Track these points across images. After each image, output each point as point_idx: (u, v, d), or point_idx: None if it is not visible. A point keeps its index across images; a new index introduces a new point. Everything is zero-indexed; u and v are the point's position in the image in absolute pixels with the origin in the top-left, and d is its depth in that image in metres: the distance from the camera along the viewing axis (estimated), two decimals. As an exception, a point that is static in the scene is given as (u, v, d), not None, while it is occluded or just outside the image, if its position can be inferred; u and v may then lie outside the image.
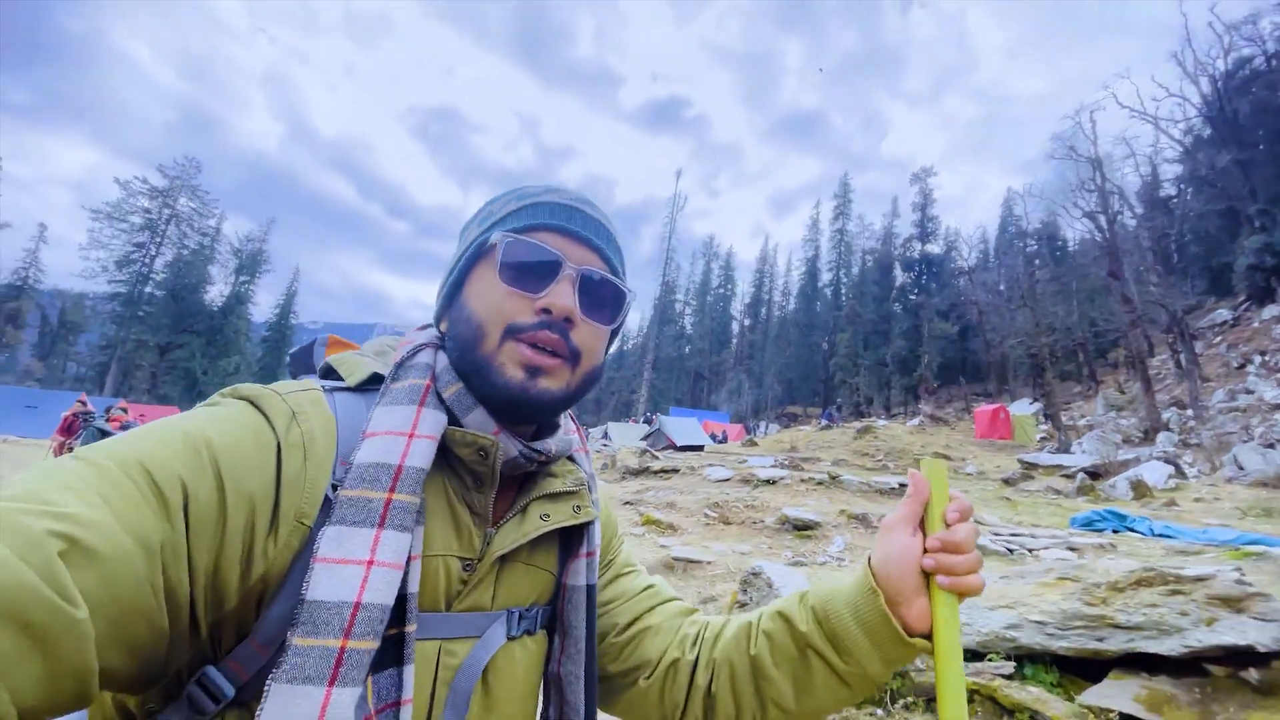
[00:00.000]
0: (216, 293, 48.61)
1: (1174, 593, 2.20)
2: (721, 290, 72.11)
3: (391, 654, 0.52)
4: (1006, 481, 14.43)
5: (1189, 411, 21.69)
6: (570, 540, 0.70)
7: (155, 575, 0.42)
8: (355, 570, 0.49)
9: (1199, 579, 2.19)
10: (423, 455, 0.56)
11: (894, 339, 44.62)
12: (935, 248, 49.71)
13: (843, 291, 58.18)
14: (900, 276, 50.78)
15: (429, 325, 0.72)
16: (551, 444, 0.67)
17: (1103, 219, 22.75)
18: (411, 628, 0.53)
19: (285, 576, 0.50)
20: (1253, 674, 2.07)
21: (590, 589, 0.68)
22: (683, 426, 23.35)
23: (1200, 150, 31.63)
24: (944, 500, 0.62)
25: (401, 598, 0.52)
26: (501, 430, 0.62)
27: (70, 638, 0.36)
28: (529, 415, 0.64)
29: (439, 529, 0.59)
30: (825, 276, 62.92)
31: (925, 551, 0.61)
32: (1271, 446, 17.54)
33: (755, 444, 23.74)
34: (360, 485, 0.53)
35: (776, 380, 58.73)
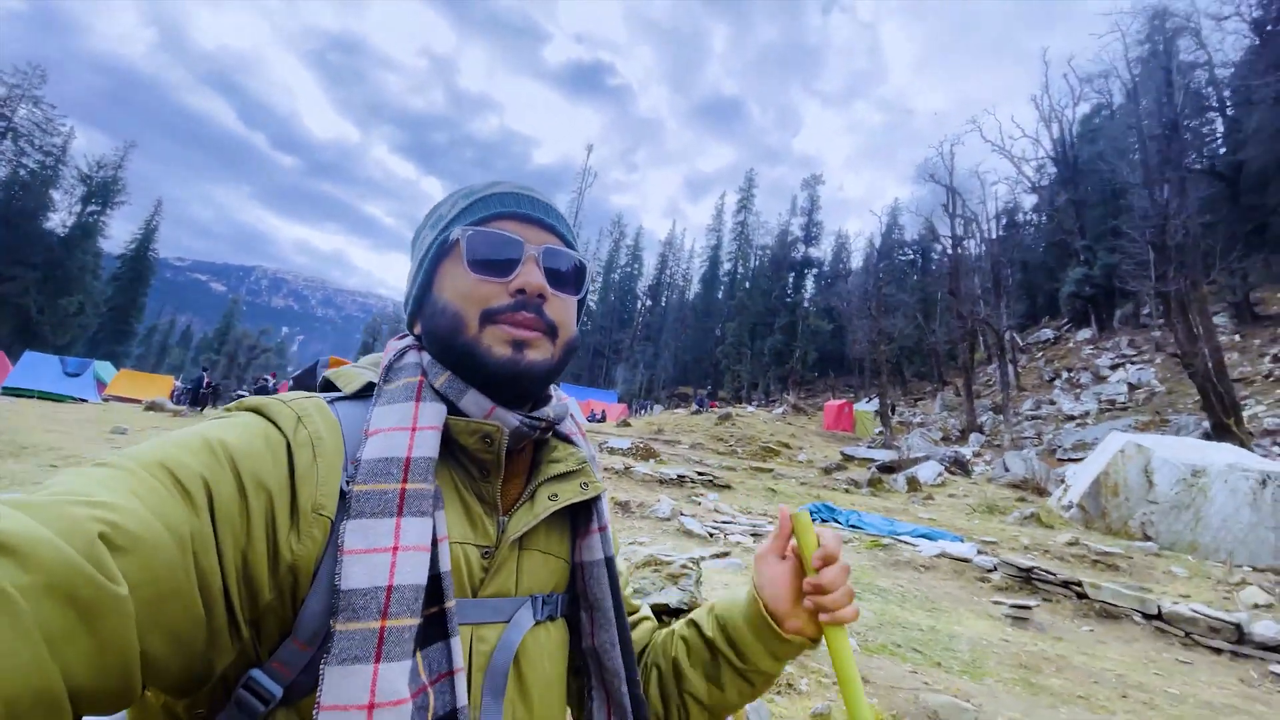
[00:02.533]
0: (58, 221, 42.94)
1: (655, 570, 2.88)
2: (628, 269, 72.84)
3: (437, 630, 0.55)
4: (825, 470, 16.02)
5: (1001, 416, 24.82)
6: (578, 521, 0.74)
7: (188, 562, 0.44)
8: (383, 557, 0.52)
9: (668, 562, 2.87)
10: (428, 445, 0.59)
11: (774, 332, 47.35)
12: (818, 250, 53.22)
13: (739, 282, 60.63)
14: (785, 274, 53.65)
15: (405, 335, 0.75)
16: (549, 410, 0.70)
17: (949, 242, 25.17)
18: (451, 603, 0.56)
19: (315, 571, 0.52)
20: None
21: (610, 561, 0.71)
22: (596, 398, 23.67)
23: (1045, 187, 35.56)
24: (811, 546, 0.69)
25: (435, 578, 0.56)
26: (497, 407, 0.64)
27: (114, 615, 0.38)
28: (524, 388, 0.67)
29: (454, 520, 0.62)
30: (726, 266, 65.21)
31: (805, 594, 0.69)
32: (1053, 452, 20.58)
33: (629, 425, 24.56)
34: (372, 480, 0.56)
35: (672, 362, 60.59)
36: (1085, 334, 32.99)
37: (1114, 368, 26.96)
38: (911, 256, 49.60)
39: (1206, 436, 16.17)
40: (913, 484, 12.01)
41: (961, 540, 6.27)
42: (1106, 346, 30.00)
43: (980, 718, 2.40)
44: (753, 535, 5.68)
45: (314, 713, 0.47)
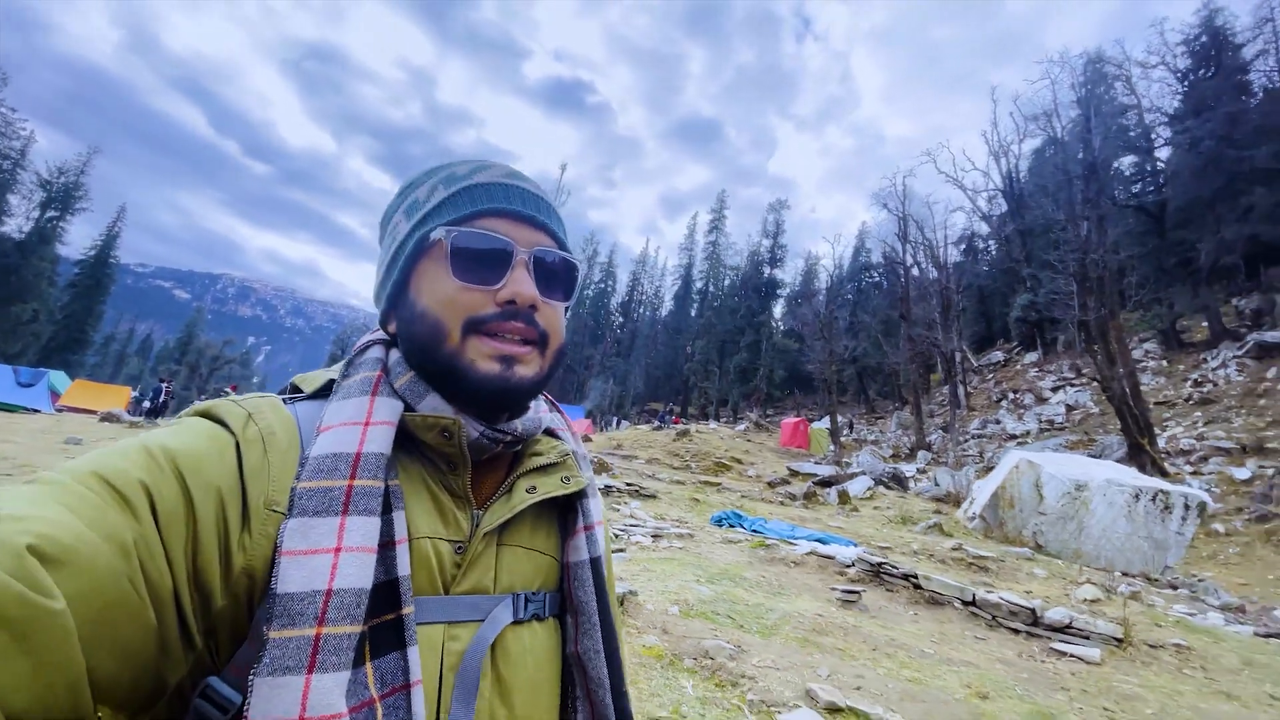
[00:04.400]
0: (14, 226, 42.08)
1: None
2: (602, 285, 73.64)
3: (392, 638, 0.52)
4: (770, 485, 16.73)
5: (948, 435, 25.94)
6: (568, 519, 0.70)
7: (134, 571, 0.42)
8: (324, 559, 0.49)
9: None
10: (380, 441, 0.56)
11: (741, 350, 48.53)
12: (783, 272, 55.09)
13: (710, 300, 61.90)
14: (751, 295, 55.13)
15: (376, 330, 0.71)
16: (518, 424, 0.65)
17: (900, 269, 26.41)
18: (408, 610, 0.52)
19: (269, 571, 0.49)
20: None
21: (596, 561, 0.67)
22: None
23: (995, 217, 37.38)
24: None
25: (393, 582, 0.52)
26: (459, 413, 0.60)
27: (50, 631, 0.36)
28: (510, 405, 0.63)
29: (421, 515, 0.58)
30: (698, 284, 66.47)
31: None
32: (990, 469, 21.65)
33: (590, 440, 25.04)
34: (318, 476, 0.52)
35: (642, 378, 61.31)
36: (1032, 357, 34.60)
37: (1055, 389, 28.41)
38: (876, 279, 51.36)
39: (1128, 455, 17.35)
40: (843, 497, 12.74)
41: (854, 545, 6.94)
42: (1050, 369, 31.54)
43: (739, 655, 3.00)
44: (653, 536, 6.28)
45: None
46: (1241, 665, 4.14)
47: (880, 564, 5.18)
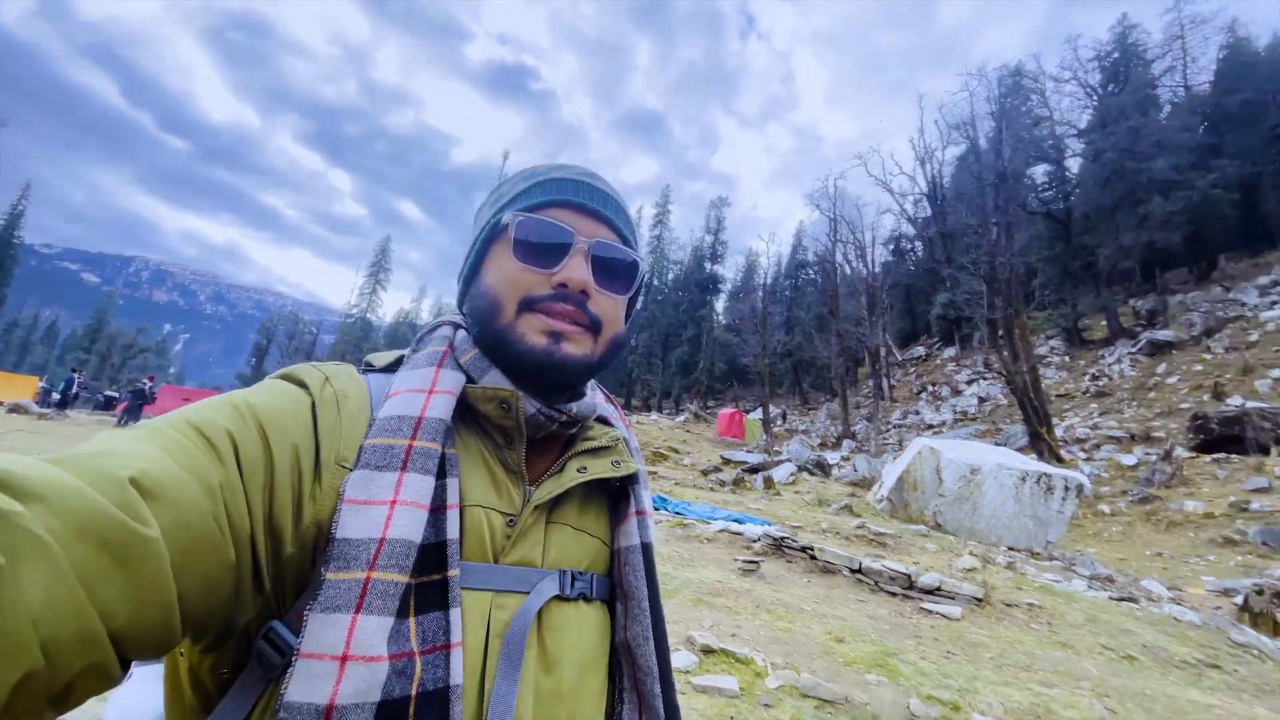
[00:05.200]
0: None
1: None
2: (545, 277, 73.19)
3: (437, 598, 0.53)
4: (703, 472, 17.27)
5: (871, 425, 27.35)
6: (618, 505, 0.71)
7: (218, 510, 0.45)
8: (380, 510, 0.51)
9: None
10: (442, 408, 0.59)
11: (682, 344, 49.44)
12: (724, 268, 56.65)
13: (654, 294, 62.61)
14: (693, 289, 56.21)
15: (455, 313, 0.75)
16: (573, 406, 0.67)
17: (831, 268, 27.55)
18: (454, 572, 0.54)
19: (333, 521, 0.52)
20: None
21: (646, 547, 0.68)
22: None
23: (920, 219, 39.34)
24: None
25: (442, 544, 0.54)
26: (518, 390, 0.63)
27: (147, 557, 0.39)
28: (556, 380, 0.65)
29: (476, 485, 0.61)
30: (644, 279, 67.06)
31: None
32: (892, 451, 23.05)
33: (529, 430, 25.05)
34: (383, 435, 0.56)
35: (587, 371, 61.58)
36: (950, 352, 36.75)
37: (969, 383, 30.32)
38: (812, 276, 53.25)
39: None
40: (768, 483, 13.35)
41: (768, 524, 7.39)
42: (966, 364, 33.60)
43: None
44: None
45: (292, 659, 0.47)
46: (1085, 621, 4.74)
47: (782, 538, 5.60)
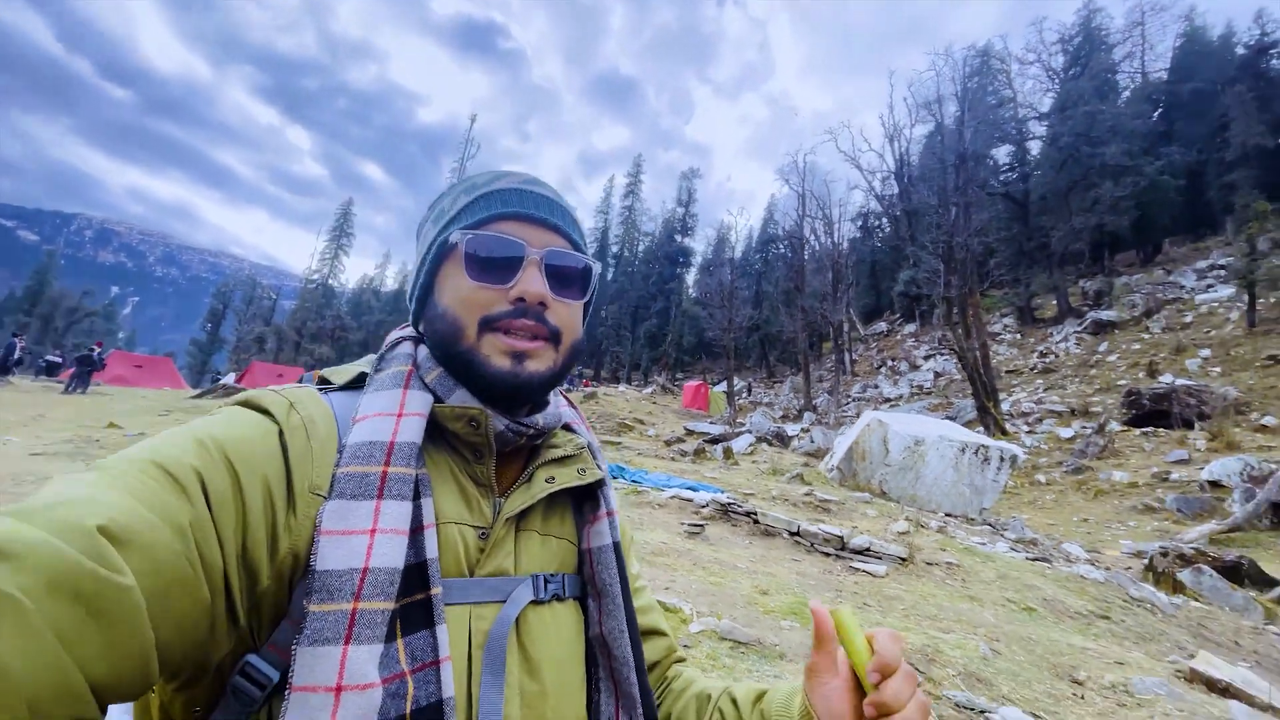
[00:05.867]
0: None
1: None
2: (514, 246, 72.08)
3: (422, 617, 0.54)
4: (667, 443, 17.70)
5: (832, 398, 28.20)
6: (584, 507, 0.73)
7: (190, 550, 0.45)
8: (360, 540, 0.52)
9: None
10: (412, 431, 0.59)
11: (651, 316, 49.71)
12: (694, 241, 56.77)
13: (625, 265, 62.40)
14: (662, 262, 56.29)
15: (407, 326, 0.75)
16: (539, 418, 0.68)
17: (797, 242, 27.94)
18: (437, 590, 0.55)
19: (311, 552, 0.52)
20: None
21: (616, 545, 0.70)
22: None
23: (887, 196, 39.95)
24: (862, 654, 0.56)
25: (423, 564, 0.55)
26: (485, 407, 0.64)
27: (123, 607, 0.39)
28: (522, 398, 0.66)
29: (448, 502, 0.62)
30: (614, 249, 66.65)
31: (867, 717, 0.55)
32: (850, 423, 23.96)
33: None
34: (355, 462, 0.56)
35: (556, 342, 61.43)
36: (910, 328, 37.86)
37: (927, 358, 31.37)
38: (782, 250, 53.83)
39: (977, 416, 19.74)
40: (728, 453, 13.81)
41: (721, 491, 7.76)
42: (925, 340, 34.69)
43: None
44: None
45: (285, 694, 0.47)
46: (996, 578, 5.22)
47: (729, 504, 5.95)
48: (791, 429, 21.09)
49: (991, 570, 5.41)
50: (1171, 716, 2.64)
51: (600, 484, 0.73)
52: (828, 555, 5.17)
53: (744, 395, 32.48)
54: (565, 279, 0.68)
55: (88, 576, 0.37)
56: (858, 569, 4.82)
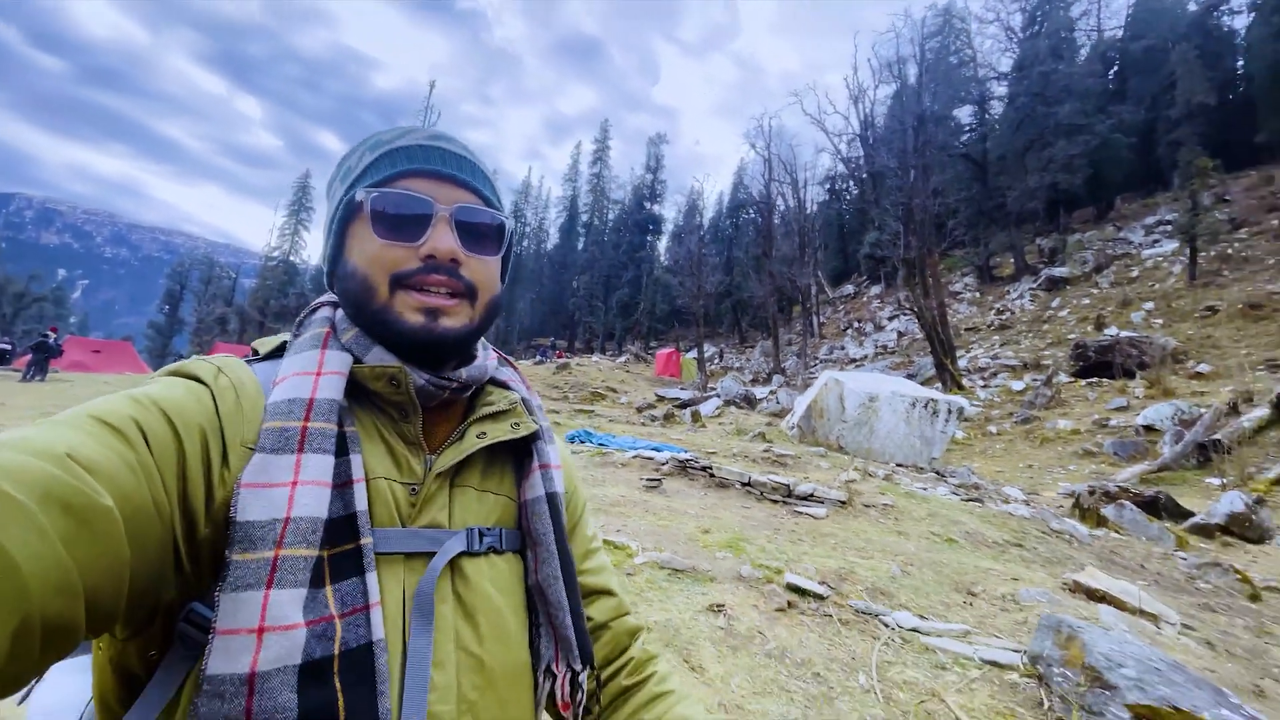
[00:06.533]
0: None
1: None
2: (482, 216, 70.88)
3: (352, 565, 0.56)
4: (638, 410, 18.17)
5: (801, 360, 28.96)
6: (523, 462, 0.74)
7: (140, 485, 0.46)
8: (281, 491, 0.53)
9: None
10: (332, 388, 0.60)
11: (623, 285, 49.82)
12: (663, 208, 56.82)
13: (596, 233, 62.02)
14: (632, 230, 56.10)
15: (328, 293, 0.75)
16: (462, 372, 0.68)
17: (764, 206, 28.21)
18: (366, 540, 0.57)
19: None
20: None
21: (552, 496, 0.72)
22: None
23: (852, 159, 40.29)
24: None
25: (352, 516, 0.57)
26: (404, 364, 0.64)
27: (107, 522, 0.41)
28: (438, 355, 0.66)
29: (377, 460, 0.63)
30: (584, 217, 66.03)
31: None
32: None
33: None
34: (276, 418, 0.57)
35: (529, 313, 61.14)
36: (876, 290, 38.72)
37: (891, 319, 32.23)
38: (752, 215, 54.09)
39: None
40: (695, 416, 14.32)
41: (683, 451, 8.20)
42: (890, 301, 35.58)
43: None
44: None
45: (209, 638, 0.48)
46: (927, 516, 5.75)
47: (687, 460, 6.39)
48: (760, 392, 21.72)
49: (924, 510, 5.95)
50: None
51: (534, 437, 0.75)
52: (775, 502, 5.64)
53: (715, 361, 33.14)
54: (477, 235, 0.68)
55: (75, 492, 0.40)
56: (801, 512, 5.29)
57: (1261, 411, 11.80)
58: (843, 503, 5.58)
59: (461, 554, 0.65)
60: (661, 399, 19.00)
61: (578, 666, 0.69)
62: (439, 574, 0.62)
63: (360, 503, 0.58)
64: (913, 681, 2.34)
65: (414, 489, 0.65)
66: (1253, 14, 33.67)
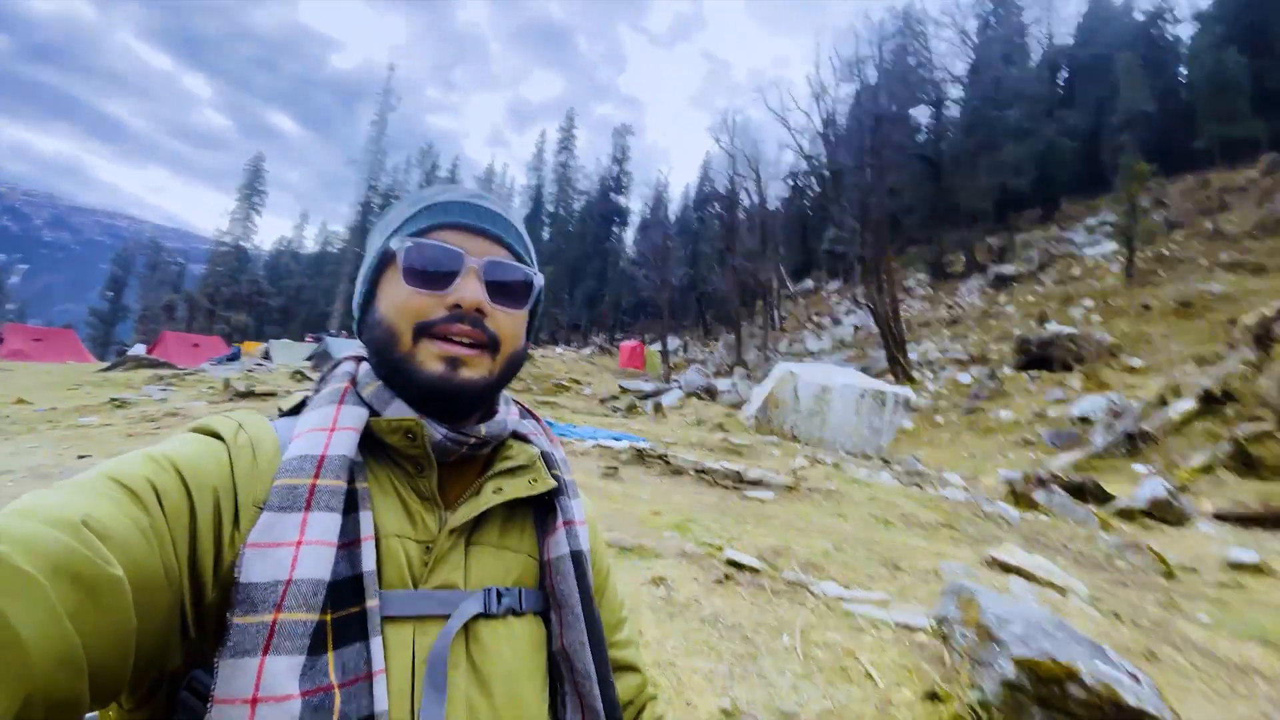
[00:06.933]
0: None
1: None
2: (444, 204, 69.60)
3: (357, 630, 0.54)
4: (601, 401, 18.37)
5: (761, 353, 29.59)
6: (545, 519, 0.72)
7: (152, 551, 0.46)
8: (285, 551, 0.52)
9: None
10: (344, 444, 0.60)
11: (588, 277, 49.84)
12: (628, 200, 56.94)
13: (562, 224, 61.66)
14: (598, 221, 56.11)
15: (358, 346, 0.75)
16: (482, 427, 0.68)
17: (727, 202, 28.62)
18: (372, 603, 0.55)
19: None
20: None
21: (577, 554, 0.70)
22: (351, 346, 23.03)
23: (814, 156, 41.07)
24: None
25: (358, 577, 0.55)
26: (423, 416, 0.64)
27: (115, 594, 0.41)
28: (456, 406, 0.66)
29: (389, 516, 0.62)
30: (550, 208, 65.53)
31: None
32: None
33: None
34: (287, 475, 0.56)
35: (493, 304, 60.49)
36: (835, 285, 39.67)
37: (848, 313, 33.09)
38: (718, 210, 54.65)
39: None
40: (658, 408, 14.58)
41: (643, 440, 8.43)
42: (847, 296, 36.55)
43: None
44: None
45: (208, 707, 0.47)
46: (867, 500, 6.10)
47: (644, 449, 6.61)
48: (722, 384, 22.13)
49: (865, 494, 6.31)
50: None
51: (557, 492, 0.73)
52: (726, 488, 5.91)
53: (680, 353, 33.56)
54: (505, 289, 0.68)
55: (86, 562, 0.39)
56: (749, 497, 5.57)
57: (1188, 404, 12.56)
58: (789, 488, 5.88)
59: (477, 616, 0.63)
60: (625, 390, 19.19)
61: None
62: (452, 638, 0.60)
63: (368, 563, 0.57)
64: (832, 643, 2.60)
65: (428, 547, 0.63)
66: (1196, 24, 35.52)
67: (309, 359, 22.08)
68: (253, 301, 54.25)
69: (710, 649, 2.35)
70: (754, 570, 3.26)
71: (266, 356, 24.48)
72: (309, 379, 15.42)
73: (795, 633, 2.59)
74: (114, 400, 9.51)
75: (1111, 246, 26.89)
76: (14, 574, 0.36)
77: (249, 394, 11.13)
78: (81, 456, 5.64)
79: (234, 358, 23.50)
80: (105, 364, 20.15)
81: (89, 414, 8.26)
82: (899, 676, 2.40)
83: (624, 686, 0.78)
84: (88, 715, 0.46)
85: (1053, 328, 21.28)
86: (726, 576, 3.12)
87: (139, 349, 23.97)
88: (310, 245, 75.77)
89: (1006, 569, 4.35)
